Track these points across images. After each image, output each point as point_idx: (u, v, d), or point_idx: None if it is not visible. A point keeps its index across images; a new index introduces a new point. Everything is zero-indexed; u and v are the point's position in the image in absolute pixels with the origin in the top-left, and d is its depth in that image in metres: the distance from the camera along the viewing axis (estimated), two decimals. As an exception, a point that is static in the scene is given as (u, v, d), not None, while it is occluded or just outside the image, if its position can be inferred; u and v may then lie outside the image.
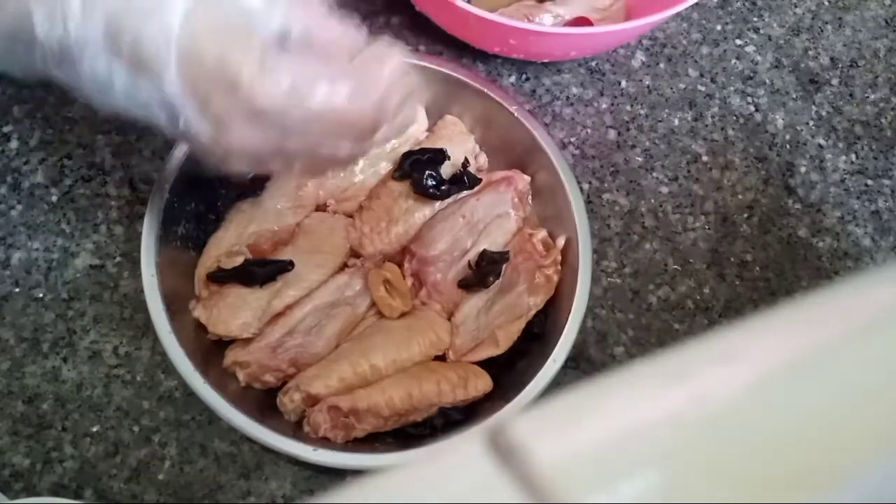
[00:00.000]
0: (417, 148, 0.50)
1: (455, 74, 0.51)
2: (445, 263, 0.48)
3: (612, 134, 0.55)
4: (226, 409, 0.42)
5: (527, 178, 0.50)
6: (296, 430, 0.44)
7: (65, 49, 0.34)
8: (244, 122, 0.36)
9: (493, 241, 0.49)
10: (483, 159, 0.52)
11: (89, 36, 0.34)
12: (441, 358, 0.47)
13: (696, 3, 0.53)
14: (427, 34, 0.56)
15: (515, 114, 0.50)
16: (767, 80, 0.57)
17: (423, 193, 0.49)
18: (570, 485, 0.17)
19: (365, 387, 0.44)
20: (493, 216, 0.49)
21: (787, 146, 0.56)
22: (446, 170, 0.50)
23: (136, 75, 0.35)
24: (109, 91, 0.35)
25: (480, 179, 0.50)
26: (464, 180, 0.49)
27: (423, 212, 0.49)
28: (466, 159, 0.50)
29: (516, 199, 0.50)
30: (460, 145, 0.51)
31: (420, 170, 0.49)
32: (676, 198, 0.54)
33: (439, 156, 0.49)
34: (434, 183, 0.49)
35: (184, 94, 0.35)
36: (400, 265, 0.48)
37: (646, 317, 0.50)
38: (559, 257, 0.48)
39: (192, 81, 0.35)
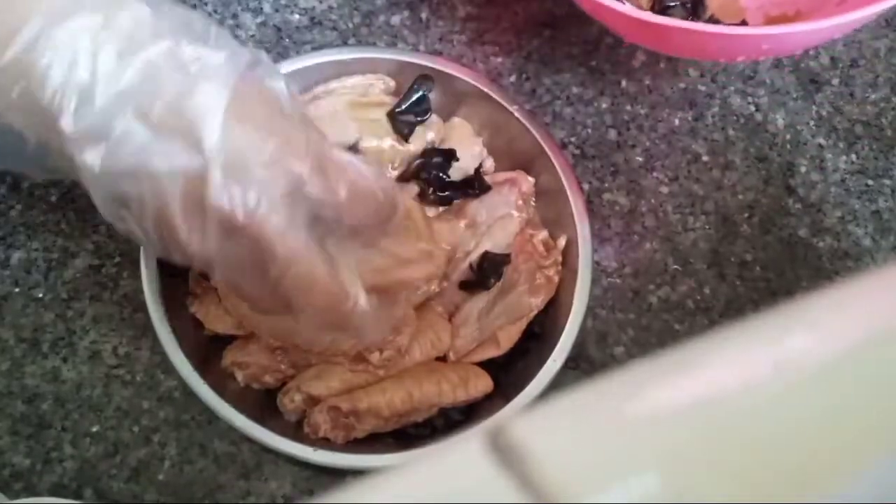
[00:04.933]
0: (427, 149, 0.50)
1: (458, 75, 0.51)
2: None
3: (612, 134, 0.55)
4: (225, 410, 0.42)
5: (531, 179, 0.50)
6: (296, 430, 0.44)
7: (83, 96, 0.31)
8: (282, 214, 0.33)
9: (496, 243, 0.48)
10: (490, 163, 0.51)
11: (121, 87, 0.31)
12: (441, 359, 0.47)
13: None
14: (427, 34, 0.56)
15: (516, 114, 0.50)
16: (768, 80, 0.57)
17: (427, 202, 0.49)
18: (570, 485, 0.17)
19: (365, 387, 0.44)
20: (495, 218, 0.49)
21: (788, 146, 0.56)
22: (453, 173, 0.49)
23: (162, 137, 0.32)
24: (118, 148, 0.32)
25: (490, 187, 0.49)
26: (474, 185, 0.49)
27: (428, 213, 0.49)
28: (481, 164, 0.50)
29: (520, 202, 0.49)
30: (468, 149, 0.50)
31: (428, 171, 0.49)
32: (677, 198, 0.53)
33: (449, 157, 0.49)
34: (440, 185, 0.49)
35: (217, 166, 0.32)
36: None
37: (646, 317, 0.50)
38: (560, 258, 0.48)
39: (234, 157, 0.32)
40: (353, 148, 0.47)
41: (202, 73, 0.32)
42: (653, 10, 0.55)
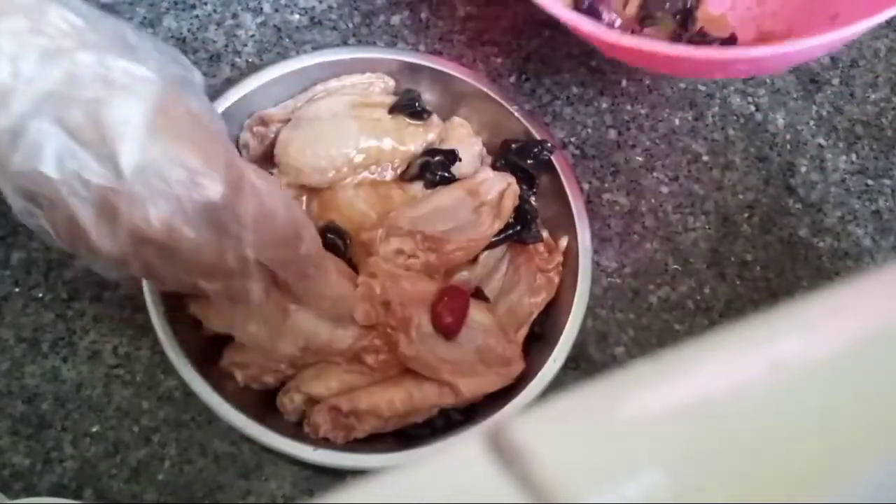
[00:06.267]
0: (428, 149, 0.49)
1: (458, 76, 0.51)
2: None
3: (612, 133, 0.55)
4: (225, 410, 0.42)
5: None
6: (296, 430, 0.44)
7: (2, 97, 0.31)
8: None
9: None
10: (489, 162, 0.51)
11: (39, 91, 0.31)
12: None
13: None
14: (427, 34, 0.56)
15: (516, 114, 0.50)
16: (768, 80, 0.57)
17: None
18: (570, 485, 0.17)
19: (365, 387, 0.44)
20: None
21: (788, 146, 0.56)
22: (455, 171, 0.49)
23: (78, 144, 0.32)
24: (33, 150, 0.32)
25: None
26: None
27: None
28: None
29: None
30: (468, 149, 0.50)
31: (433, 170, 0.48)
32: (677, 197, 0.53)
33: (451, 157, 0.49)
34: (445, 183, 0.48)
35: (139, 178, 0.32)
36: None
37: (646, 317, 0.50)
38: (561, 259, 0.48)
39: (151, 170, 0.33)
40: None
41: (126, 86, 0.33)
42: (638, 19, 0.54)
